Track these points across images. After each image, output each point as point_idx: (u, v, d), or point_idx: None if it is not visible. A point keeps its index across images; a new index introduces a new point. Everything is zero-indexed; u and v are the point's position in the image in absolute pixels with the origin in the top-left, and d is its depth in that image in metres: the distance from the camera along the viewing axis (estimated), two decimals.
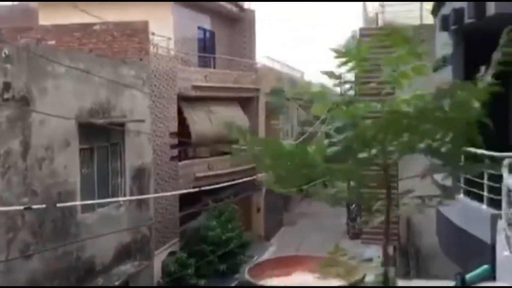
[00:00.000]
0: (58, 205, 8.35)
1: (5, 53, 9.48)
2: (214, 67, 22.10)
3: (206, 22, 22.13)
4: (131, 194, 13.38)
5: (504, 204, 5.19)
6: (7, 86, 9.41)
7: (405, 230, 12.85)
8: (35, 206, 8.70)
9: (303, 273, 1.83)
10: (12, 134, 9.46)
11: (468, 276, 1.79)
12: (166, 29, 16.54)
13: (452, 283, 1.81)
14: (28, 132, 9.81)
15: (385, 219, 1.78)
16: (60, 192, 10.64)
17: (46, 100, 10.15)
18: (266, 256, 22.44)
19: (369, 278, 1.76)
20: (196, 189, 13.49)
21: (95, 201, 11.27)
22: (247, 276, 1.82)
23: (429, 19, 13.34)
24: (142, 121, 13.66)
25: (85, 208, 11.64)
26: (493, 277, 2.58)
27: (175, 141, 16.83)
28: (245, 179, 14.68)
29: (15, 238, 9.41)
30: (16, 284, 9.43)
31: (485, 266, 2.19)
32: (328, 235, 21.42)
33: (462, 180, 7.70)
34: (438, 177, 2.46)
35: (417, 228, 12.35)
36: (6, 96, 9.43)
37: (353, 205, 25.75)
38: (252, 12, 25.08)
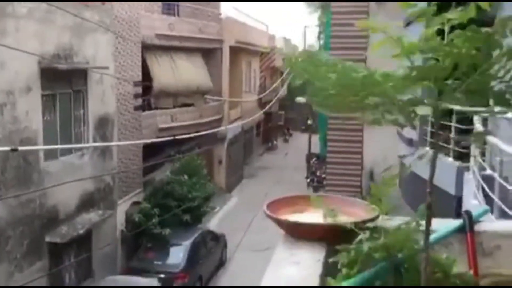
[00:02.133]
0: (20, 148, 8.11)
1: None
2: (178, 15, 21.52)
3: None
4: (94, 142, 13.15)
5: (474, 157, 5.43)
6: None
7: (367, 182, 13.27)
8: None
9: (314, 212, 1.89)
10: None
11: (475, 214, 1.91)
12: None
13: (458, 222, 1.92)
14: None
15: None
16: (22, 139, 10.34)
17: (6, 42, 9.66)
18: (226, 207, 22.77)
19: None
20: (161, 139, 13.40)
21: (58, 146, 11.01)
22: (266, 211, 1.86)
23: None
24: (106, 68, 13.29)
25: (48, 156, 11.40)
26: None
27: (139, 90, 16.50)
28: (209, 130, 14.63)
29: None
30: None
31: (486, 207, 2.32)
32: (289, 187, 21.84)
33: (427, 135, 7.97)
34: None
35: (379, 180, 12.74)
36: None
37: (313, 159, 26.32)
38: None
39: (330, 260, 1.59)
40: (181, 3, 21.74)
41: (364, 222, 1.73)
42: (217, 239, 16.95)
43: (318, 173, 24.41)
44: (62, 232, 11.50)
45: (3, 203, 9.88)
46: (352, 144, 13.77)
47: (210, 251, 15.93)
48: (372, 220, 1.77)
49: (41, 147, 10.56)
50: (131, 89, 15.91)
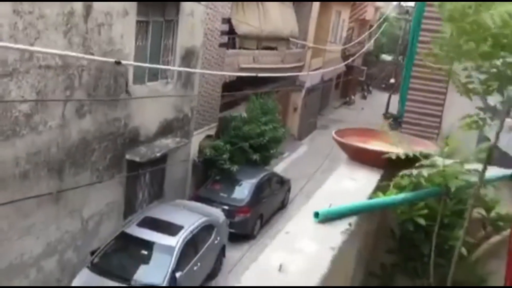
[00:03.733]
0: (123, 62, 8.72)
1: None
2: None
3: None
4: (179, 73, 13.73)
5: None
6: None
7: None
8: (106, 59, 9.14)
9: (377, 142, 2.08)
10: None
11: None
12: None
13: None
14: None
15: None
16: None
17: None
18: (296, 154, 23.13)
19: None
20: (243, 74, 13.74)
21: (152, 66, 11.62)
22: (334, 136, 2.09)
23: None
24: (198, 1, 13.62)
25: (136, 80, 12.09)
26: None
27: (226, 28, 16.78)
28: (289, 74, 14.71)
29: (71, 96, 9.97)
30: (69, 139, 10.15)
31: None
32: None
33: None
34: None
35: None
36: None
37: (390, 119, 25.80)
38: None
39: (384, 181, 1.80)
40: None
41: (423, 155, 1.91)
42: (282, 182, 17.43)
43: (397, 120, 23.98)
44: (141, 152, 12.33)
45: (92, 118, 10.73)
46: (432, 107, 13.39)
47: (274, 193, 16.46)
48: (429, 155, 1.95)
49: (139, 63, 11.19)
50: (218, 26, 16.22)
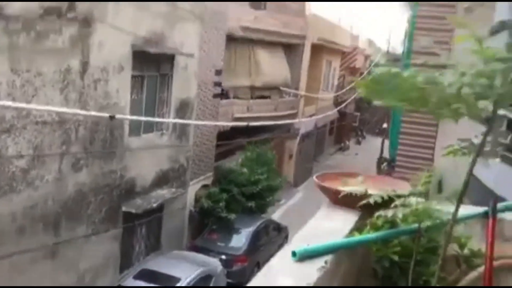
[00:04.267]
0: (117, 116, 8.94)
1: None
2: (265, 9, 22.05)
3: None
4: (174, 124, 13.97)
5: None
6: (71, 6, 9.84)
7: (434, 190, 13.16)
8: (101, 114, 9.36)
9: (359, 186, 2.21)
10: (73, 53, 9.97)
11: (499, 205, 2.10)
12: None
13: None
14: (87, 53, 10.31)
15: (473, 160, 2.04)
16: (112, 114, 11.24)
17: (106, 24, 10.57)
18: (292, 201, 23.17)
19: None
20: (235, 124, 13.97)
21: (149, 119, 11.87)
22: (315, 180, 2.22)
23: None
24: (192, 55, 14.04)
25: (132, 132, 12.30)
26: None
27: (220, 79, 17.20)
28: (282, 122, 15.00)
29: (68, 150, 10.12)
30: (66, 193, 10.23)
31: None
32: None
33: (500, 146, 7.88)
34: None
35: (446, 189, 12.60)
36: (69, 15, 9.87)
37: (384, 164, 26.03)
38: None
39: (362, 221, 1.92)
40: None
41: (398, 196, 2.04)
42: (280, 230, 17.38)
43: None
44: (137, 204, 12.38)
45: (88, 171, 10.85)
46: (423, 150, 13.67)
47: (271, 240, 16.39)
48: (403, 195, 2.08)
49: (133, 117, 11.43)
50: (212, 77, 16.64)
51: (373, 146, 33.57)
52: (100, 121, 10.80)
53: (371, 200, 1.90)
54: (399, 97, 1.74)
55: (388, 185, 2.26)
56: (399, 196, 1.99)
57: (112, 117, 7.36)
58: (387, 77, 1.71)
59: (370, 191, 2.05)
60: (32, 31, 8.82)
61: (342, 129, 37.56)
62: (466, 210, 2.28)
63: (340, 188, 2.17)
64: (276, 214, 20.20)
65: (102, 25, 10.48)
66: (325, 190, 2.17)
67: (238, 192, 16.44)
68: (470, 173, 2.00)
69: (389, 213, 1.82)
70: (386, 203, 1.96)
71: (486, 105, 1.74)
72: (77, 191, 10.59)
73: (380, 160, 27.20)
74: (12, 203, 8.91)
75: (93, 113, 9.65)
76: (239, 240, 15.01)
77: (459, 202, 1.89)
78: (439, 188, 14.12)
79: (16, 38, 8.53)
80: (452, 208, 1.94)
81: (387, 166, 25.59)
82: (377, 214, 1.89)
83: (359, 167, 29.66)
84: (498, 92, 1.66)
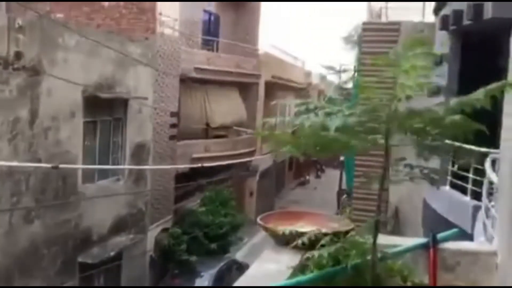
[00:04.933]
0: (60, 166, 8.74)
1: (18, 23, 9.75)
2: (217, 51, 22.38)
3: (212, 6, 22.36)
4: (131, 169, 13.75)
5: (484, 196, 5.63)
6: (18, 55, 9.70)
7: (393, 220, 13.35)
8: (43, 165, 9.09)
9: (304, 225, 2.23)
10: (21, 103, 9.77)
11: (439, 236, 2.17)
12: (172, 10, 16.80)
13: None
14: (37, 102, 10.12)
15: (379, 186, 2.15)
16: (63, 162, 10.95)
17: (55, 71, 10.44)
18: (255, 239, 22.98)
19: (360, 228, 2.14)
20: (197, 165, 13.89)
21: (109, 167, 11.62)
22: (259, 222, 2.23)
23: (430, 17, 13.70)
24: (145, 98, 14.00)
25: (86, 179, 12.02)
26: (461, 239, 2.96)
27: (175, 120, 17.18)
28: (241, 160, 15.03)
29: (18, 203, 9.78)
30: (16, 246, 9.81)
31: (455, 229, 2.52)
32: None
33: (449, 174, 8.15)
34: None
35: (403, 218, 12.84)
36: (17, 65, 9.72)
37: (344, 196, 26.33)
38: None
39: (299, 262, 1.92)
40: (220, 40, 22.62)
41: (333, 233, 2.06)
42: (243, 269, 17.14)
43: (348, 210, 24.35)
44: (94, 253, 11.99)
45: (41, 222, 10.48)
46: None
47: (235, 281, 16.12)
48: (332, 234, 2.11)
49: (78, 166, 11.19)
50: (167, 119, 16.60)
51: (332, 179, 33.96)
52: (51, 170, 10.51)
53: (299, 242, 1.94)
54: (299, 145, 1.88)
55: (330, 222, 2.29)
56: (327, 235, 2.03)
57: (55, 167, 7.16)
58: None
59: (309, 230, 2.07)
60: None
61: (301, 164, 37.91)
62: (408, 241, 2.33)
63: (279, 228, 2.18)
64: (240, 253, 19.94)
65: (51, 73, 10.34)
66: (268, 232, 2.17)
67: (201, 235, 16.21)
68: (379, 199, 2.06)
69: (316, 253, 1.86)
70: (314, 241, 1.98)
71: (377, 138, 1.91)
72: (30, 244, 10.18)
73: (340, 192, 27.50)
74: None
75: (35, 164, 9.37)
76: (202, 284, 14.68)
77: (376, 236, 1.93)
78: (396, 214, 14.40)
79: None
80: (400, 241, 1.98)
81: (347, 198, 25.90)
82: (306, 255, 1.92)
83: (319, 201, 29.87)
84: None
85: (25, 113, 9.83)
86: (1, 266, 9.42)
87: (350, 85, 29.28)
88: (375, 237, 1.81)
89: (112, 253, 12.32)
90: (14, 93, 9.58)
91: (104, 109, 12.76)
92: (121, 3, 14.71)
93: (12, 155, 9.49)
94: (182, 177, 17.26)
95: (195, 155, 18.79)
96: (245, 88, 23.53)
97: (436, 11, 11.29)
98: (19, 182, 9.77)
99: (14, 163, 9.21)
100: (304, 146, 1.91)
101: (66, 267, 11.33)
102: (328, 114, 2.01)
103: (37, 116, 10.15)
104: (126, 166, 12.91)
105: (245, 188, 24.80)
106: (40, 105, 10.20)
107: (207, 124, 20.27)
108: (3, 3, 9.80)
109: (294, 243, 1.98)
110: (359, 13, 61.77)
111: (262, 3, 25.92)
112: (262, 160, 23.92)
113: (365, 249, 1.89)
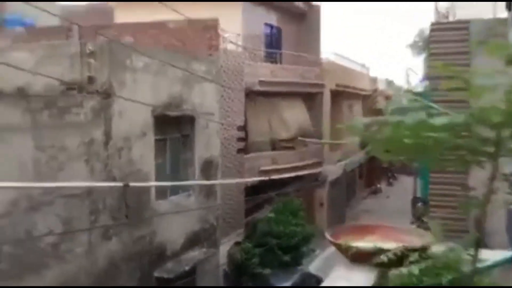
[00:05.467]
0: (131, 184, 9.04)
1: (89, 49, 10.22)
2: (281, 63, 22.43)
3: (273, 19, 22.50)
4: (200, 184, 13.96)
5: None
6: (91, 79, 10.15)
7: (473, 229, 12.64)
8: (114, 184, 9.40)
9: (374, 239, 2.09)
10: (95, 125, 10.19)
11: None
12: (235, 25, 17.04)
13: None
14: (109, 123, 10.52)
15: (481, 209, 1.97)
16: (136, 180, 11.32)
17: (125, 93, 10.83)
18: (327, 251, 22.55)
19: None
20: (264, 178, 13.89)
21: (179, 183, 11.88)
22: (328, 237, 2.11)
23: (503, 13, 13.00)
24: (212, 114, 14.22)
25: (159, 196, 12.32)
26: None
27: (242, 134, 17.31)
28: (310, 171, 14.84)
29: (96, 221, 10.16)
30: (97, 264, 10.19)
31: None
32: None
33: None
34: None
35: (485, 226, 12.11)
36: (90, 89, 10.17)
37: (419, 203, 25.32)
38: (318, 8, 25.19)
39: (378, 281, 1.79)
40: (283, 52, 22.66)
41: (413, 249, 1.91)
42: (318, 282, 16.83)
43: (424, 218, 23.38)
44: (169, 268, 12.22)
45: (118, 239, 10.82)
46: (455, 187, 13.26)
47: None
48: (420, 249, 1.95)
49: (148, 183, 11.49)
50: (234, 133, 16.76)
51: (405, 187, 32.88)
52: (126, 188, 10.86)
53: (385, 258, 1.79)
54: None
55: (403, 235, 2.14)
56: (414, 250, 1.88)
57: (126, 186, 7.36)
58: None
59: (384, 245, 1.93)
60: (54, 108, 9.08)
61: (373, 172, 37.01)
62: (496, 254, 2.13)
63: (353, 244, 2.05)
64: (313, 266, 19.63)
65: (121, 95, 10.72)
66: (339, 248, 2.05)
67: (275, 244, 16.10)
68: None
69: (404, 271, 1.71)
70: (401, 257, 1.83)
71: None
72: (109, 262, 10.53)
73: (414, 200, 26.50)
74: (45, 279, 8.89)
75: (107, 183, 9.71)
76: None
77: (476, 250, 1.77)
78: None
79: (39, 116, 8.79)
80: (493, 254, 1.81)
81: (422, 206, 24.88)
82: (391, 273, 1.78)
83: (392, 210, 28.92)
84: None
85: (99, 135, 10.23)
86: (83, 285, 9.79)
87: (420, 89, 28.30)
88: (475, 255, 1.65)
89: (186, 268, 12.49)
90: (88, 116, 10.01)
91: (173, 127, 13.07)
92: (186, 23, 15.05)
93: (89, 176, 9.89)
94: (251, 190, 17.32)
95: (263, 168, 18.84)
96: (309, 98, 23.37)
97: (509, 6, 10.68)
98: (97, 200, 10.16)
99: (87, 183, 9.60)
100: (401, 150, 1.76)
101: (143, 283, 11.61)
102: (431, 115, 1.88)
103: (110, 137, 10.53)
104: (195, 182, 13.13)
105: (315, 199, 24.50)
106: (112, 126, 10.58)
107: (274, 136, 20.27)
108: (76, 29, 10.30)
109: (376, 260, 1.84)
110: (423, 17, 59.92)
111: (325, 12, 25.77)
112: (332, 170, 23.57)
113: (459, 266, 1.73)
